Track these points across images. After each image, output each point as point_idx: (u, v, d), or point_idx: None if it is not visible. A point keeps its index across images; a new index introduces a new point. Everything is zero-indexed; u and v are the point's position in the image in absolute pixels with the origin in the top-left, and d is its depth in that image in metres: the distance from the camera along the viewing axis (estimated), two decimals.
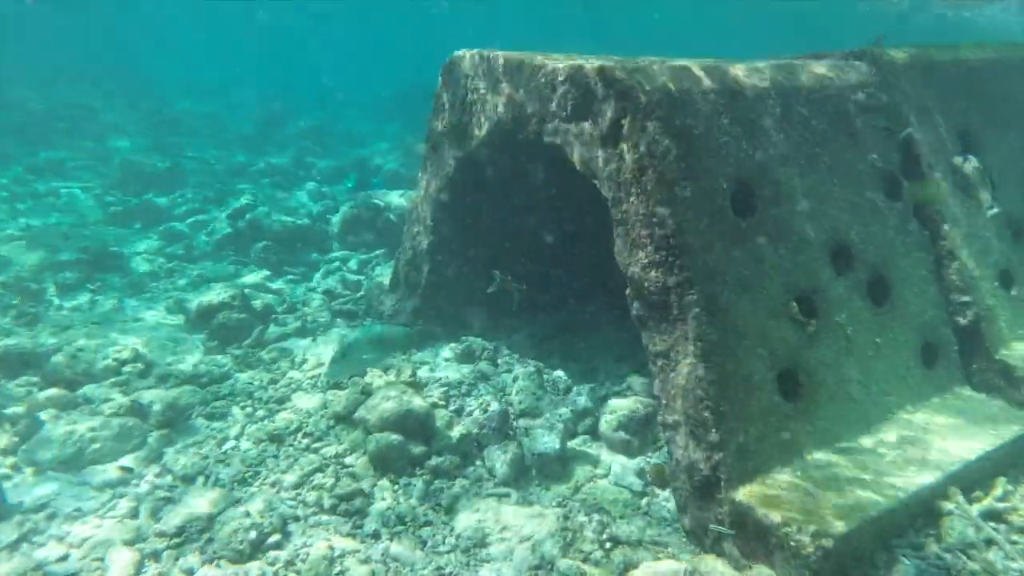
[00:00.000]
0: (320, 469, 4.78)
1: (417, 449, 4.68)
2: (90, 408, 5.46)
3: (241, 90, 23.97)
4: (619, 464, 4.92)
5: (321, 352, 7.16)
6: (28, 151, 13.36)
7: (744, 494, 3.57)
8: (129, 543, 3.95)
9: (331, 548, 3.90)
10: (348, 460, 4.87)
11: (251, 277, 9.39)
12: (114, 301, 8.19)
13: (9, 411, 5.07)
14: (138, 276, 8.99)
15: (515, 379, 5.79)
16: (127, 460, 4.91)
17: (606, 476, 4.82)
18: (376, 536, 4.09)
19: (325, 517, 4.20)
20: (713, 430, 3.67)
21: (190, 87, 23.24)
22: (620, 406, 5.19)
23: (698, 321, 3.77)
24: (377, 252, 10.24)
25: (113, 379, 6.03)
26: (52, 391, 5.59)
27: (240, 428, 5.52)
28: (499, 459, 4.67)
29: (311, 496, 4.40)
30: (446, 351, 6.63)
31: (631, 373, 5.87)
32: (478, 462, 4.76)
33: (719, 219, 4.00)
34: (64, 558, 3.82)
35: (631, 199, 4.05)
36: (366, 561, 3.88)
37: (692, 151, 3.98)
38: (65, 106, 16.63)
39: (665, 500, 4.46)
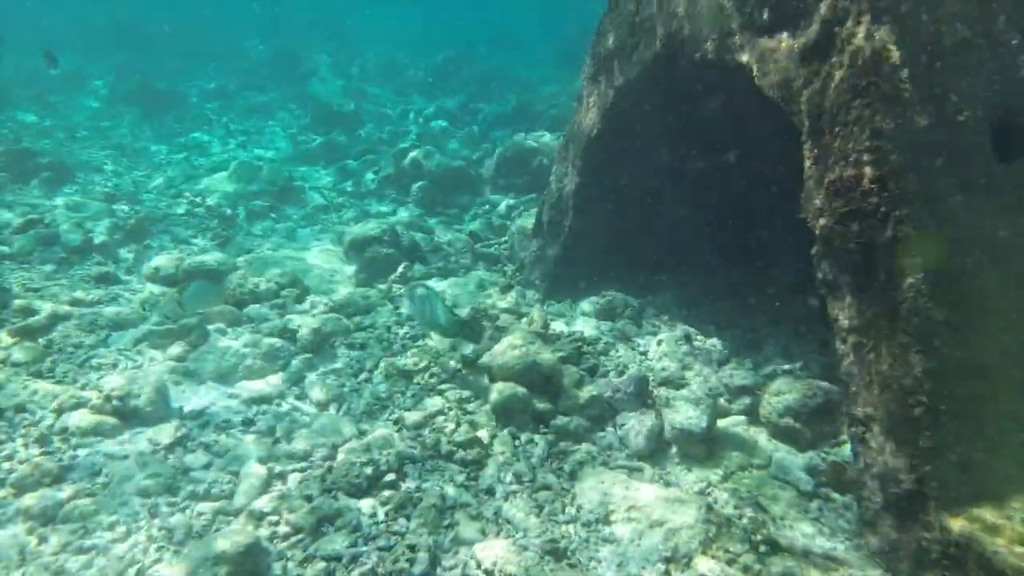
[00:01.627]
0: (442, 412, 4.59)
1: (542, 405, 4.27)
2: (251, 327, 5.79)
3: (428, 36, 24.74)
4: (783, 455, 4.09)
5: (458, 291, 7.04)
6: (246, 95, 14.94)
7: (964, 523, 2.65)
8: (262, 460, 4.06)
9: (443, 498, 3.67)
10: (471, 407, 4.62)
11: (405, 215, 9.57)
12: (289, 229, 8.77)
13: (184, 321, 5.52)
14: (312, 208, 9.54)
15: (659, 342, 5.10)
16: (274, 379, 5.12)
17: (765, 467, 4.03)
18: (490, 492, 3.79)
19: (442, 463, 3.98)
20: (925, 433, 2.76)
21: (387, 35, 24.45)
22: (789, 387, 4.30)
23: (917, 292, 2.81)
24: (527, 197, 9.88)
25: (272, 301, 6.38)
26: (223, 307, 6.02)
27: (375, 361, 5.54)
28: (634, 428, 4.09)
29: (430, 438, 4.20)
30: (584, 304, 6.10)
31: (806, 351, 4.89)
32: (609, 428, 4.24)
33: (965, 160, 2.93)
34: (208, 466, 4.01)
35: (835, 129, 3.11)
36: (476, 518, 3.59)
37: (937, 66, 2.92)
38: (281, 54, 18.31)
39: (843, 508, 3.61)
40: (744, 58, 3.77)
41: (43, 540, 3.26)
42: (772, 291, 5.68)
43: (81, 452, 3.95)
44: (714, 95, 5.43)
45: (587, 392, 4.32)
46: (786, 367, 4.79)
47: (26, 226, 7.02)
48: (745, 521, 3.48)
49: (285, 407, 4.82)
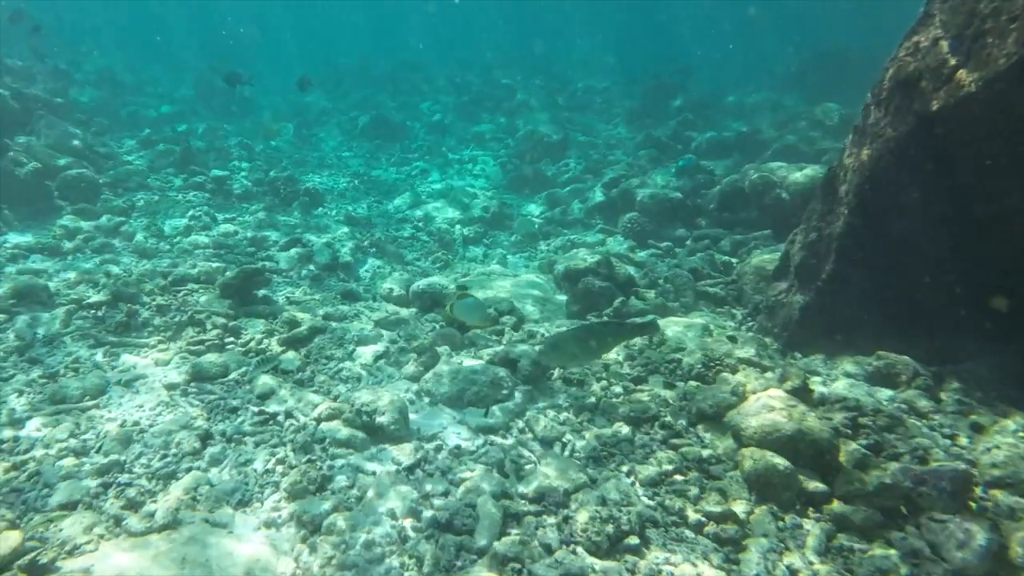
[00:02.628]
0: (680, 471, 4.17)
1: (812, 485, 3.65)
2: (473, 350, 5.91)
3: (634, 65, 24.74)
4: None
5: (680, 333, 6.57)
6: (462, 126, 16.12)
7: None
8: (495, 496, 3.99)
9: None
10: (714, 470, 4.13)
11: (617, 246, 9.34)
12: (500, 255, 9.02)
13: (417, 343, 5.80)
14: (520, 236, 9.74)
15: (974, 427, 4.10)
16: (496, 408, 5.12)
17: None
18: None
19: (689, 533, 3.57)
20: None
21: (591, 67, 24.93)
22: None
23: None
24: (758, 233, 9.07)
25: (492, 327, 6.49)
26: (447, 330, 6.25)
27: (596, 399, 5.32)
28: (954, 537, 3.27)
29: (673, 503, 3.81)
30: (847, 364, 5.26)
31: None
32: (909, 528, 3.46)
33: None
34: (445, 494, 4.04)
35: None
36: None
37: None
38: (495, 86, 19.56)
39: None
40: None
41: (313, 550, 3.46)
42: None
43: (337, 463, 4.21)
44: None
45: (874, 477, 3.59)
46: None
47: (288, 245, 8.02)
48: None
49: (510, 440, 4.76)
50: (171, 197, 9.38)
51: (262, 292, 6.57)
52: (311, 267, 7.74)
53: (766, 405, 4.06)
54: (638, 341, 6.47)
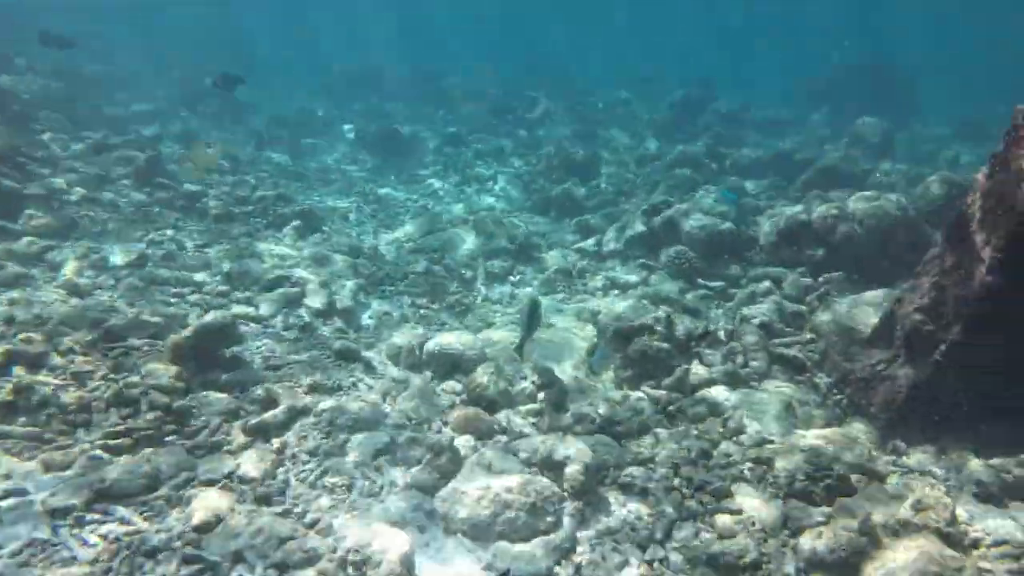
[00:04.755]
0: None
1: None
2: (503, 449, 4.47)
3: (667, 76, 23.29)
4: None
5: (765, 424, 5.14)
6: (478, 139, 14.72)
7: None
8: None
9: None
10: None
11: (664, 287, 7.90)
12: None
13: (432, 439, 4.37)
14: (553, 272, 8.33)
15: None
16: (539, 544, 3.69)
17: None
18: None
19: None
20: None
21: (615, 77, 23.52)
22: None
23: None
24: (830, 275, 7.63)
25: (528, 406, 5.08)
26: (469, 412, 4.84)
27: (666, 524, 3.90)
28: None
29: None
30: (978, 468, 3.88)
31: None
32: None
33: None
34: None
35: None
36: None
37: None
38: (514, 96, 18.18)
39: None
40: None
41: None
42: None
43: None
44: None
45: None
46: None
47: (274, 284, 6.63)
48: None
49: None
50: (126, 215, 7.79)
51: (232, 351, 5.19)
52: (301, 313, 6.35)
53: (906, 547, 2.68)
54: (711, 429, 5.06)
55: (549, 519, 3.83)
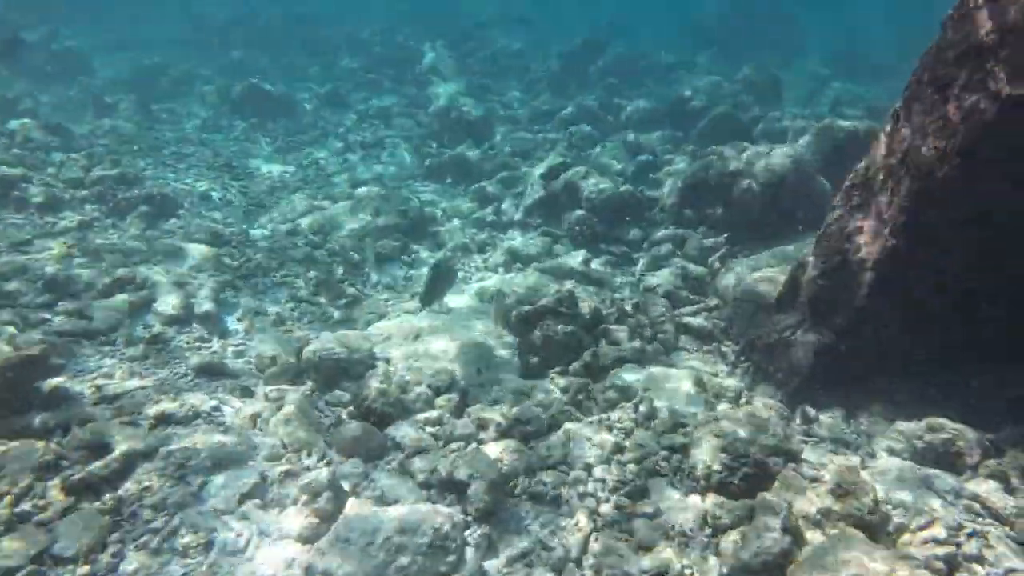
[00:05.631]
0: None
1: None
2: (397, 471, 3.89)
3: (548, 23, 22.40)
4: None
5: (678, 405, 4.87)
6: (361, 98, 13.45)
7: None
8: None
9: None
10: None
11: (569, 259, 7.49)
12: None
13: (310, 478, 3.68)
14: (449, 249, 7.67)
15: None
16: None
17: None
18: None
19: None
20: None
21: (505, 25, 22.31)
22: None
23: None
24: (730, 235, 7.52)
25: (425, 415, 4.49)
26: (357, 430, 4.19)
27: (582, 538, 3.53)
28: None
29: None
30: (888, 436, 3.80)
31: None
32: None
33: None
34: None
35: None
36: None
37: None
38: (398, 47, 16.77)
39: None
40: None
41: None
42: None
43: None
44: None
45: None
46: None
47: (114, 288, 5.54)
48: None
49: None
50: None
51: (55, 381, 4.21)
52: (149, 321, 5.34)
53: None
54: (624, 416, 4.72)
55: (451, 558, 3.32)
